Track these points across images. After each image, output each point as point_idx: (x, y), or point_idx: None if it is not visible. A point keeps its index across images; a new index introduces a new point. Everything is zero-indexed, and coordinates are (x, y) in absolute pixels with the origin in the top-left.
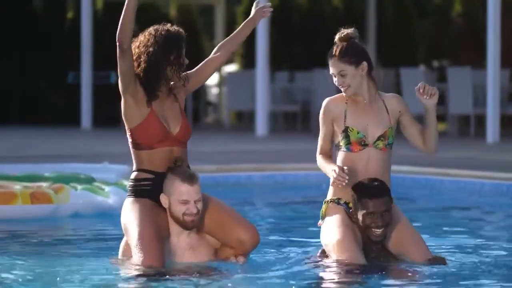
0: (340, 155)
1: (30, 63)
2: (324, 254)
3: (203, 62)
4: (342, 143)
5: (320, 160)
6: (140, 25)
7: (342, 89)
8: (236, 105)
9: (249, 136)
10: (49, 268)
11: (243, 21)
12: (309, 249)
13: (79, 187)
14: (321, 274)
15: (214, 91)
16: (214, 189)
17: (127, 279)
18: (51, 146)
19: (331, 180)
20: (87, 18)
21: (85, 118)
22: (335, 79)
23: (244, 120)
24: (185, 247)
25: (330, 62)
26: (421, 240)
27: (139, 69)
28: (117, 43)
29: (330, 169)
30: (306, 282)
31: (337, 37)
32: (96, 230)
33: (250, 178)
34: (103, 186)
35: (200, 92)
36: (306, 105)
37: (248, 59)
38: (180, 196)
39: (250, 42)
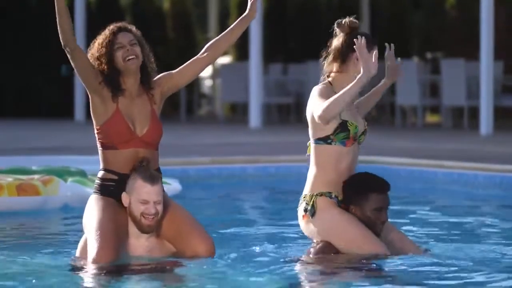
0: (327, 150)
1: (23, 56)
2: (320, 252)
3: (188, 62)
4: (336, 137)
5: (331, 98)
6: (134, 17)
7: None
8: (230, 97)
9: (243, 128)
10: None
11: (237, 13)
12: (300, 243)
13: (69, 179)
14: (322, 272)
15: (208, 83)
16: (208, 181)
17: (82, 278)
18: (45, 139)
19: (369, 71)
20: (81, 10)
21: (78, 111)
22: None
23: (238, 112)
24: (143, 250)
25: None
26: (407, 238)
27: (100, 67)
28: (64, 48)
29: (354, 82)
30: (299, 280)
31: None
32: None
33: (244, 170)
34: (94, 178)
35: (194, 84)
36: (299, 97)
37: (242, 51)
38: (140, 195)
39: (243, 34)
